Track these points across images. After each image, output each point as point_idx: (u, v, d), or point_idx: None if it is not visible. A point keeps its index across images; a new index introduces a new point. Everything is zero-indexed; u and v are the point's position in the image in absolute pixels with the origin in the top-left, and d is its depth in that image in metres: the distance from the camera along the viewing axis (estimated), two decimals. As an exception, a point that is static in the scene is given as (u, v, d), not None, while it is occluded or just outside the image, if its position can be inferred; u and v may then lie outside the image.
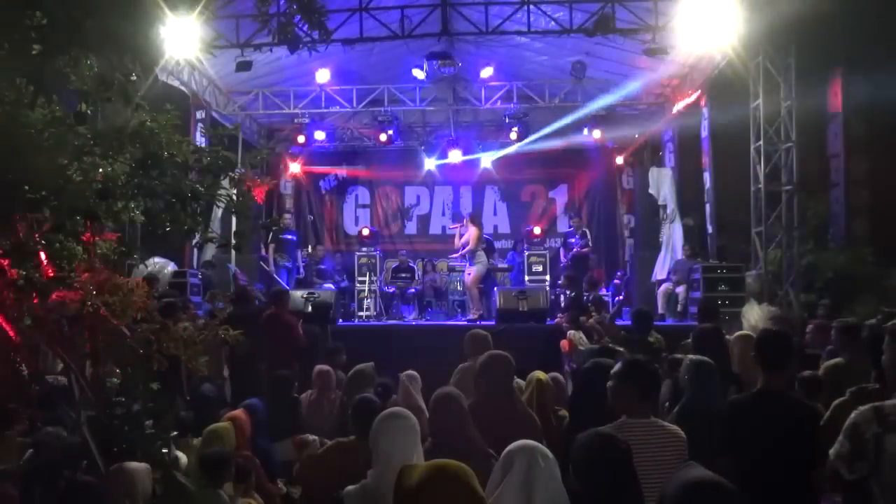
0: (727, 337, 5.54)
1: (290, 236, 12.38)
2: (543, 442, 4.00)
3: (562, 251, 12.07)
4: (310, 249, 13.20)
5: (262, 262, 12.04)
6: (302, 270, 12.62)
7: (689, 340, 5.53)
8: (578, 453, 2.30)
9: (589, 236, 12.06)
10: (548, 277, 11.77)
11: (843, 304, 9.49)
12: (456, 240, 11.02)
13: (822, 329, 5.85)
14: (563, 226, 14.88)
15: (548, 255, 12.08)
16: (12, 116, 2.99)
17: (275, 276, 11.68)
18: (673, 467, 2.93)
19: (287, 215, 13.20)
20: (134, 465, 2.92)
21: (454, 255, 11.68)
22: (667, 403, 4.45)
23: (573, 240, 11.80)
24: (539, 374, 4.67)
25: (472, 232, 10.46)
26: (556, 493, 2.23)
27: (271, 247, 12.06)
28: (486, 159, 14.59)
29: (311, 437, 4.61)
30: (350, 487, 2.83)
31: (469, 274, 10.53)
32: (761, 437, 3.16)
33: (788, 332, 3.73)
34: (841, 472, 2.92)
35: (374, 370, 5.35)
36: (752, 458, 3.11)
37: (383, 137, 13.29)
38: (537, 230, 12.24)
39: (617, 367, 3.25)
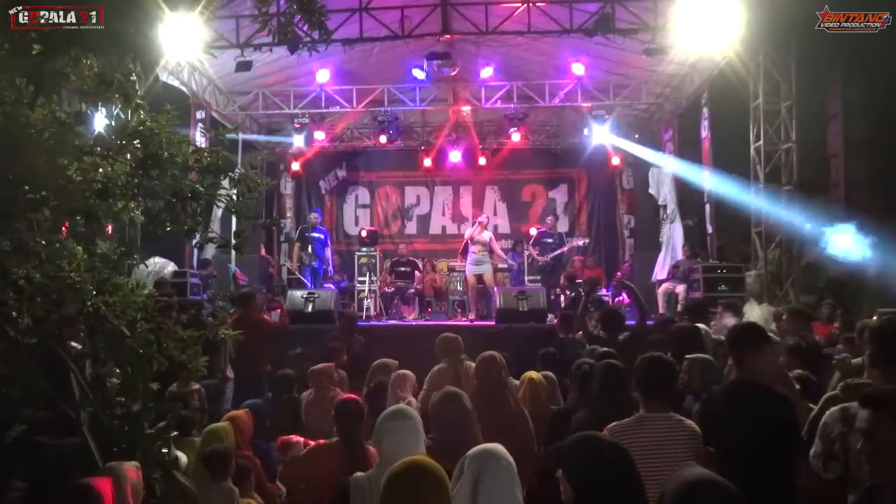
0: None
1: (317, 234, 12.20)
2: (535, 437, 4.04)
3: (534, 250, 11.79)
4: (309, 250, 13.19)
5: (287, 262, 12.10)
6: (332, 269, 12.57)
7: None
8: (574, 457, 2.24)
9: (565, 237, 12.01)
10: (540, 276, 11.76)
11: (844, 304, 9.47)
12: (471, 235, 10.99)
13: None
14: (562, 226, 14.88)
15: (532, 254, 12.04)
16: (12, 116, 2.99)
17: (299, 276, 11.71)
18: (687, 462, 2.98)
19: (314, 214, 13.03)
20: (124, 464, 2.92)
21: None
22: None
23: (549, 240, 11.66)
24: (532, 373, 4.70)
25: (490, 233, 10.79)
26: (504, 500, 2.22)
27: (297, 245, 12.06)
28: (486, 159, 14.59)
29: (297, 438, 4.61)
30: (358, 475, 2.84)
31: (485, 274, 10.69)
32: (734, 426, 3.22)
33: (755, 323, 3.80)
34: (818, 471, 2.96)
35: (397, 366, 5.43)
36: (726, 447, 3.18)
37: (383, 138, 13.29)
38: (533, 231, 12.21)
39: (637, 363, 3.32)
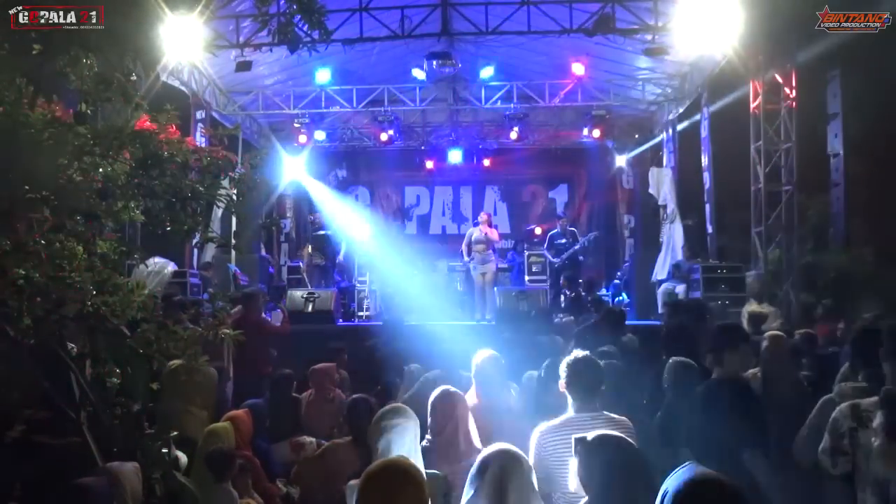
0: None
1: (322, 232, 12.08)
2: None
3: (547, 253, 11.86)
4: (309, 250, 13.19)
5: (300, 263, 12.12)
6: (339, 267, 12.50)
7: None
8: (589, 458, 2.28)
9: (578, 235, 12.03)
10: (547, 278, 11.76)
11: (844, 304, 9.48)
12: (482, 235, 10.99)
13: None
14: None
15: (546, 256, 12.07)
16: (12, 116, 2.99)
17: (306, 278, 11.72)
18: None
19: (316, 212, 12.82)
20: (121, 464, 2.92)
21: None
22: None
23: (562, 240, 11.70)
24: (535, 373, 4.69)
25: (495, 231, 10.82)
26: (529, 499, 2.23)
27: (307, 247, 12.03)
28: (486, 159, 14.59)
29: (309, 438, 4.61)
30: (353, 481, 2.83)
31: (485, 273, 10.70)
32: (710, 421, 3.32)
33: (737, 324, 3.91)
34: (826, 467, 3.00)
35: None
36: (703, 442, 3.26)
37: (383, 137, 13.28)
38: (538, 230, 12.20)
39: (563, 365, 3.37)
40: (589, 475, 2.22)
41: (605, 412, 3.20)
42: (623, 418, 3.22)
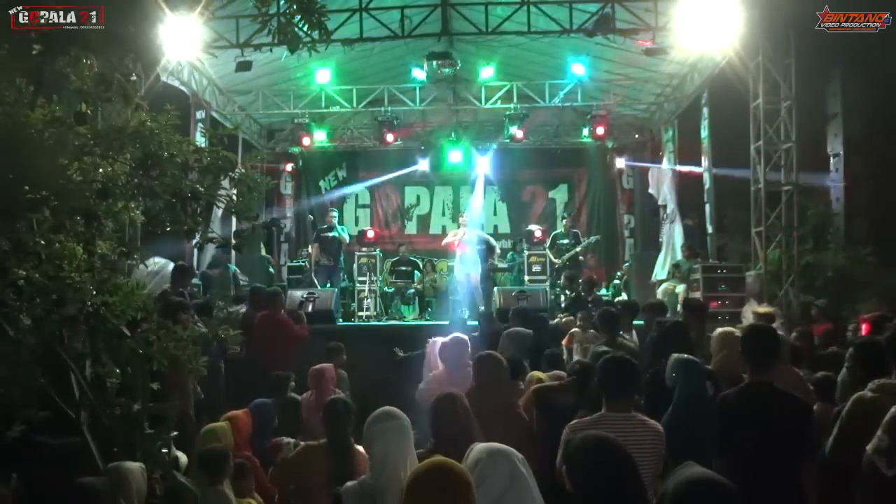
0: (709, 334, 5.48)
1: (333, 234, 11.96)
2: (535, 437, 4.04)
3: (549, 252, 11.89)
4: (309, 249, 13.16)
5: (305, 262, 12.17)
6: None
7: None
8: (576, 457, 2.27)
9: (580, 237, 12.05)
10: (547, 277, 11.76)
11: (844, 304, 9.49)
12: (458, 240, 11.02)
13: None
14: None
15: (548, 256, 12.06)
16: (12, 116, 2.99)
17: (312, 276, 11.74)
18: (651, 461, 3.02)
19: (332, 213, 12.53)
20: (128, 464, 2.92)
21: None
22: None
23: (564, 241, 11.74)
24: (537, 373, 4.69)
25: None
26: (538, 500, 2.24)
27: (315, 246, 12.02)
28: (486, 160, 14.57)
29: (287, 439, 4.60)
30: (349, 484, 2.82)
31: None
32: (750, 430, 3.24)
33: (773, 328, 3.84)
34: (879, 467, 2.93)
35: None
36: (741, 451, 3.19)
37: (389, 137, 13.27)
38: (539, 233, 12.20)
39: (598, 364, 3.37)
40: (575, 477, 2.23)
41: (637, 414, 3.22)
42: (654, 422, 3.22)
